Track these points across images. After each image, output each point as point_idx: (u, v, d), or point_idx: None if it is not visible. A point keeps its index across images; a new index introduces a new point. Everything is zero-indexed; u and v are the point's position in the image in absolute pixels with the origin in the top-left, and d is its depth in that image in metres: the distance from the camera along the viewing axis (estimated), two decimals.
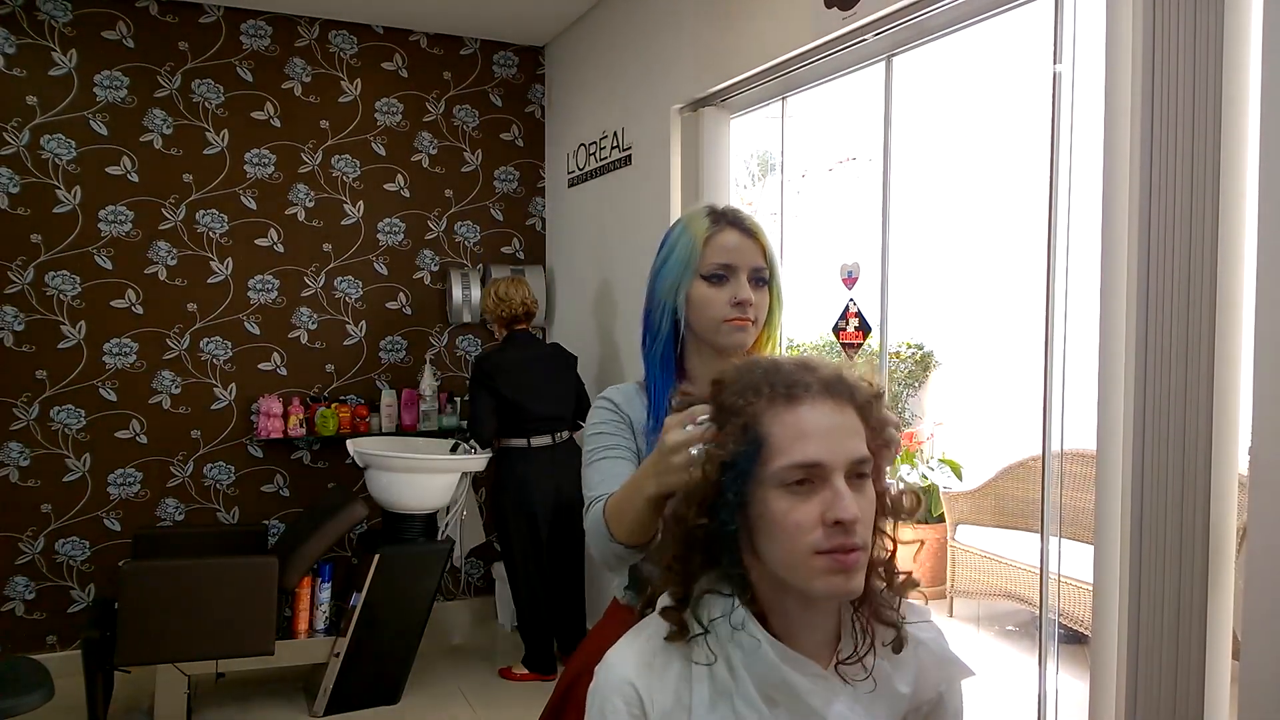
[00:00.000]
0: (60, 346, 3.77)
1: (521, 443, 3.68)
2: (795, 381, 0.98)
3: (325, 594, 3.50)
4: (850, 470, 0.95)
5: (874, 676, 1.02)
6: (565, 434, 3.75)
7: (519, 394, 3.65)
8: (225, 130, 3.98)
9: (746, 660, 0.98)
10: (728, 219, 1.41)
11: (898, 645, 1.03)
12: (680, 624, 1.01)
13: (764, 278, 1.41)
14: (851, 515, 0.93)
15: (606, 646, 1.06)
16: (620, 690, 0.99)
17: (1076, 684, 2.18)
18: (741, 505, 0.97)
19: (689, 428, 1.02)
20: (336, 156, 4.16)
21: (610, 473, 1.36)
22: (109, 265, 3.83)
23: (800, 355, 1.04)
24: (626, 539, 1.22)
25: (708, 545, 1.00)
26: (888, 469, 1.04)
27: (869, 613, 1.03)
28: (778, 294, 1.44)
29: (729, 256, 1.38)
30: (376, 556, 3.34)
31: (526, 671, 3.74)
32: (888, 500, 1.02)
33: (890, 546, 1.04)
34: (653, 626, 1.05)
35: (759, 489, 0.96)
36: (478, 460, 3.63)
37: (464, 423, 4.28)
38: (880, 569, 1.04)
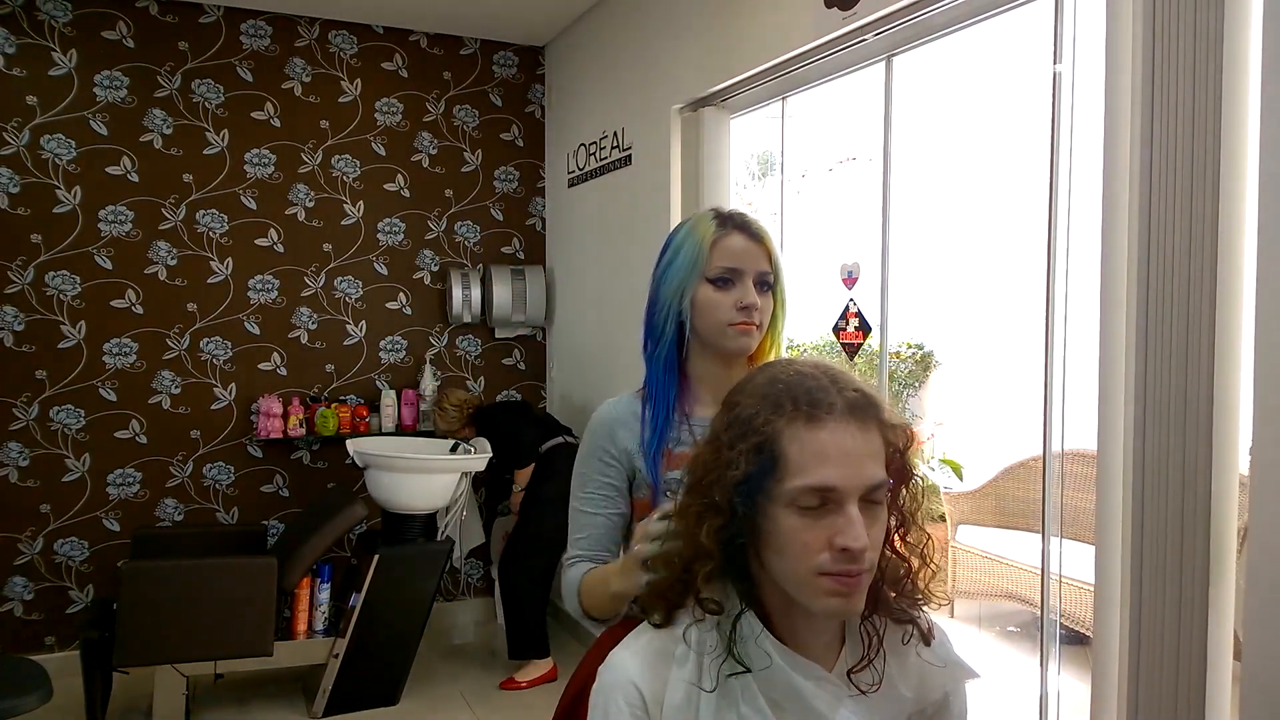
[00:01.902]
0: (60, 346, 3.77)
1: (558, 440, 3.82)
2: (818, 401, 0.95)
3: (324, 594, 3.50)
4: (865, 494, 0.94)
5: (878, 680, 1.01)
6: None
7: (529, 415, 4.04)
8: (225, 130, 3.98)
9: (752, 664, 0.98)
10: (734, 222, 1.40)
11: (927, 638, 1.03)
12: (668, 613, 1.03)
13: (769, 282, 1.40)
14: (861, 545, 0.92)
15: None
16: (623, 690, 0.99)
17: (1078, 684, 2.18)
18: (751, 517, 0.96)
19: (651, 543, 1.10)
20: (336, 156, 4.16)
21: (589, 530, 1.41)
22: (109, 265, 3.83)
23: (825, 365, 1.01)
24: (594, 616, 1.36)
25: (717, 555, 0.99)
26: (906, 495, 1.02)
27: (883, 616, 1.03)
28: (781, 298, 1.44)
29: (735, 260, 1.37)
30: (376, 557, 3.34)
31: (535, 675, 3.70)
32: (904, 518, 1.01)
33: (912, 565, 1.03)
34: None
35: (770, 505, 0.95)
36: (478, 460, 3.63)
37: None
38: (904, 584, 1.03)
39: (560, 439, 3.81)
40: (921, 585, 1.04)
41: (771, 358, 1.45)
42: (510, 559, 3.76)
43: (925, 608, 1.05)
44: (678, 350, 1.42)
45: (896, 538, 1.02)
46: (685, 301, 1.38)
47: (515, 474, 3.80)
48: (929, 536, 1.04)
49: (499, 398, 4.46)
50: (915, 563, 1.03)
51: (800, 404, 0.95)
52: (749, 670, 0.97)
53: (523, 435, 3.82)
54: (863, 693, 1.00)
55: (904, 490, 1.01)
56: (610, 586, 1.27)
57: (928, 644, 1.04)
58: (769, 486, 0.94)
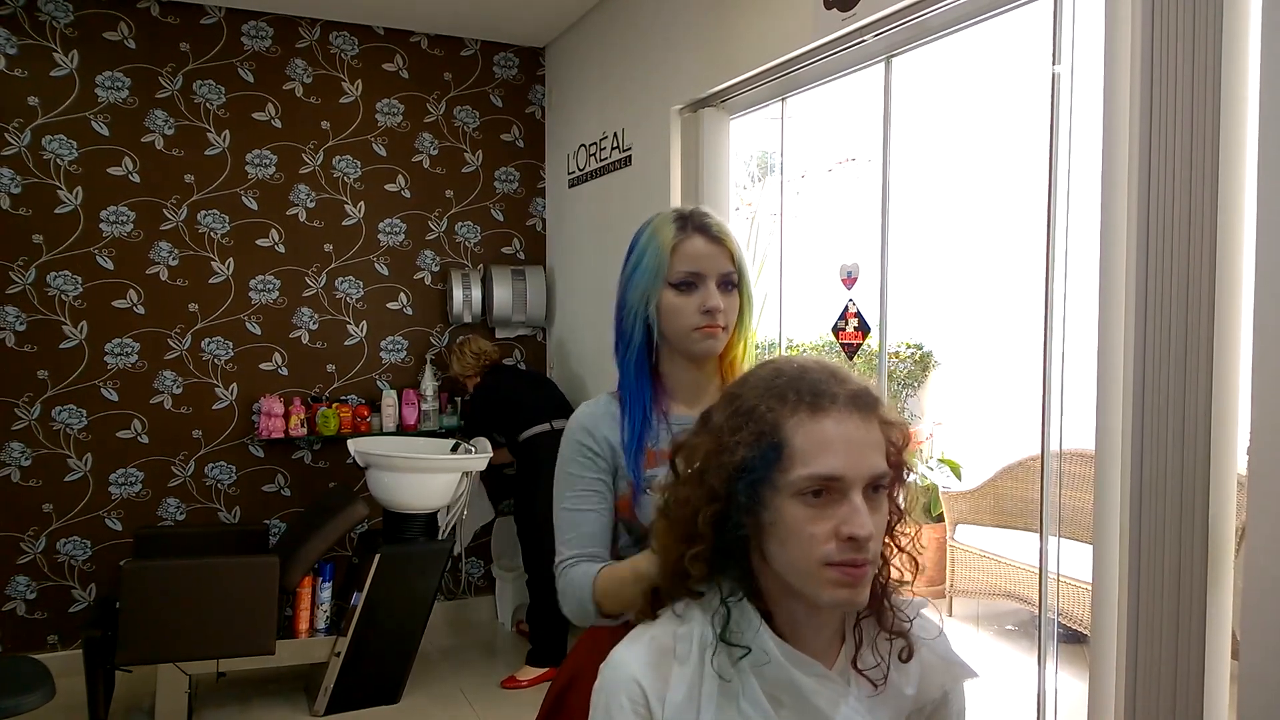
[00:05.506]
0: (62, 346, 3.78)
1: (540, 427, 3.78)
2: (822, 392, 0.96)
3: (326, 594, 3.51)
4: (868, 484, 0.95)
5: (879, 678, 1.02)
6: None
7: (534, 392, 3.95)
8: (226, 131, 3.98)
9: (753, 661, 0.98)
10: (694, 224, 1.39)
11: (906, 654, 1.03)
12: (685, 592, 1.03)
13: (733, 281, 1.40)
14: (866, 532, 0.93)
15: (596, 653, 1.06)
16: (626, 688, 0.99)
17: (1076, 683, 2.19)
18: (753, 509, 0.97)
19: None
20: (337, 157, 4.17)
21: (579, 529, 1.37)
22: (110, 265, 3.83)
23: (826, 362, 1.03)
24: (614, 613, 1.28)
25: (717, 546, 1.00)
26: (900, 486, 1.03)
27: (875, 623, 1.03)
28: (748, 296, 1.43)
29: (696, 264, 1.37)
30: (377, 556, 3.35)
31: (535, 675, 3.71)
32: (900, 516, 1.03)
33: (897, 566, 1.04)
34: (659, 625, 1.05)
35: (775, 495, 0.96)
36: (478, 460, 3.63)
37: (461, 421, 4.30)
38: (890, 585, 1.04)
39: (544, 425, 3.72)
40: (908, 581, 1.06)
41: (740, 355, 1.45)
42: (533, 567, 3.77)
43: (907, 593, 1.07)
44: (648, 353, 1.43)
45: (888, 536, 1.03)
46: (651, 307, 1.39)
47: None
48: (919, 527, 1.05)
49: None
50: (905, 561, 1.04)
51: (804, 395, 0.96)
52: (746, 653, 0.98)
53: (502, 425, 3.86)
54: (872, 684, 1.01)
55: (899, 488, 1.02)
56: (647, 579, 1.13)
57: (905, 661, 1.03)
58: (773, 477, 0.95)
